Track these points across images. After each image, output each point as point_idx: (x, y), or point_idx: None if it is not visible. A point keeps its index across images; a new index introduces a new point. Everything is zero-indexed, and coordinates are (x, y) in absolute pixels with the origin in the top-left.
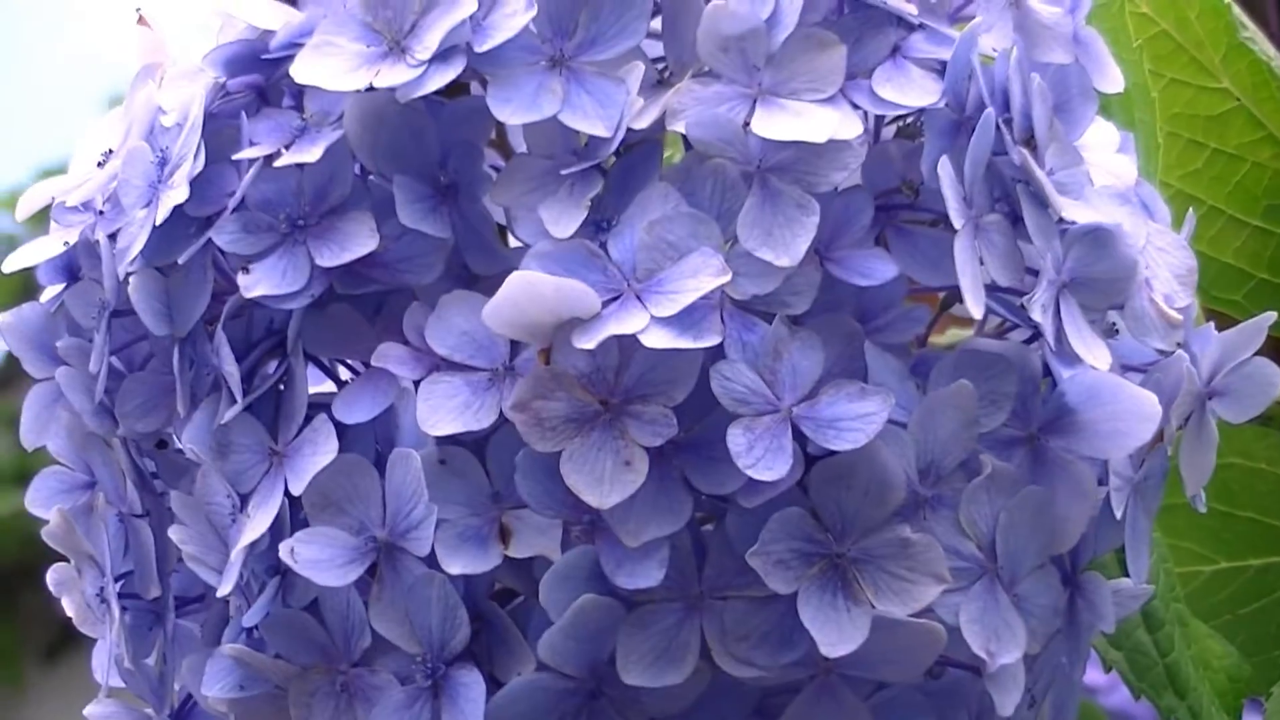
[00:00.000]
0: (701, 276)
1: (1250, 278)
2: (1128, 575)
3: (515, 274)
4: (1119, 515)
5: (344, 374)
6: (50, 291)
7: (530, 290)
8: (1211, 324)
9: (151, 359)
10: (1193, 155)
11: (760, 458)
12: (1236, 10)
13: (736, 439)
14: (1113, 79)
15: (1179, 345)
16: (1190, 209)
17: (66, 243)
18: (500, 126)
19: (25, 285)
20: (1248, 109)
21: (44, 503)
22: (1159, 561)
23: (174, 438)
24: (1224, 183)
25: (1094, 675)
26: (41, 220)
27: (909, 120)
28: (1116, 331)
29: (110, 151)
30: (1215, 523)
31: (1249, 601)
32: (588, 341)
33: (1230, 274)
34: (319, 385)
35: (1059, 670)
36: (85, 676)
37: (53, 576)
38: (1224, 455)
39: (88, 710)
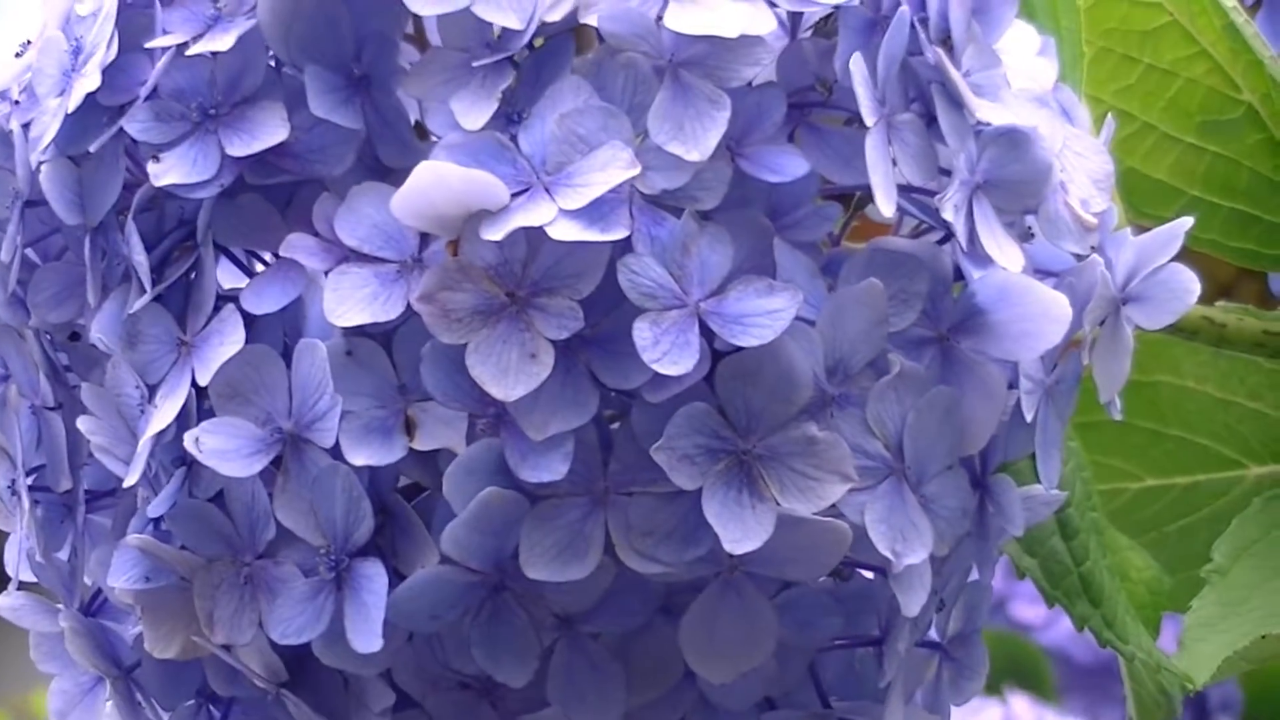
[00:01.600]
0: (611, 169)
1: (1182, 195)
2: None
3: (423, 164)
4: (1029, 418)
5: (259, 269)
6: None
7: (438, 181)
8: (1128, 229)
9: (65, 250)
10: (1126, 70)
11: (666, 352)
12: None
13: (643, 333)
14: None
15: (1094, 250)
16: (1109, 115)
17: None
18: (418, 21)
19: None
20: (1181, 24)
21: None
22: (1076, 470)
23: (86, 330)
24: (1157, 99)
25: (1030, 612)
26: None
27: (826, 19)
28: (1033, 236)
29: (29, 42)
30: (1142, 440)
31: (1174, 519)
32: (495, 233)
33: (1162, 191)
34: (238, 282)
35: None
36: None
37: None
38: (1151, 372)
39: None
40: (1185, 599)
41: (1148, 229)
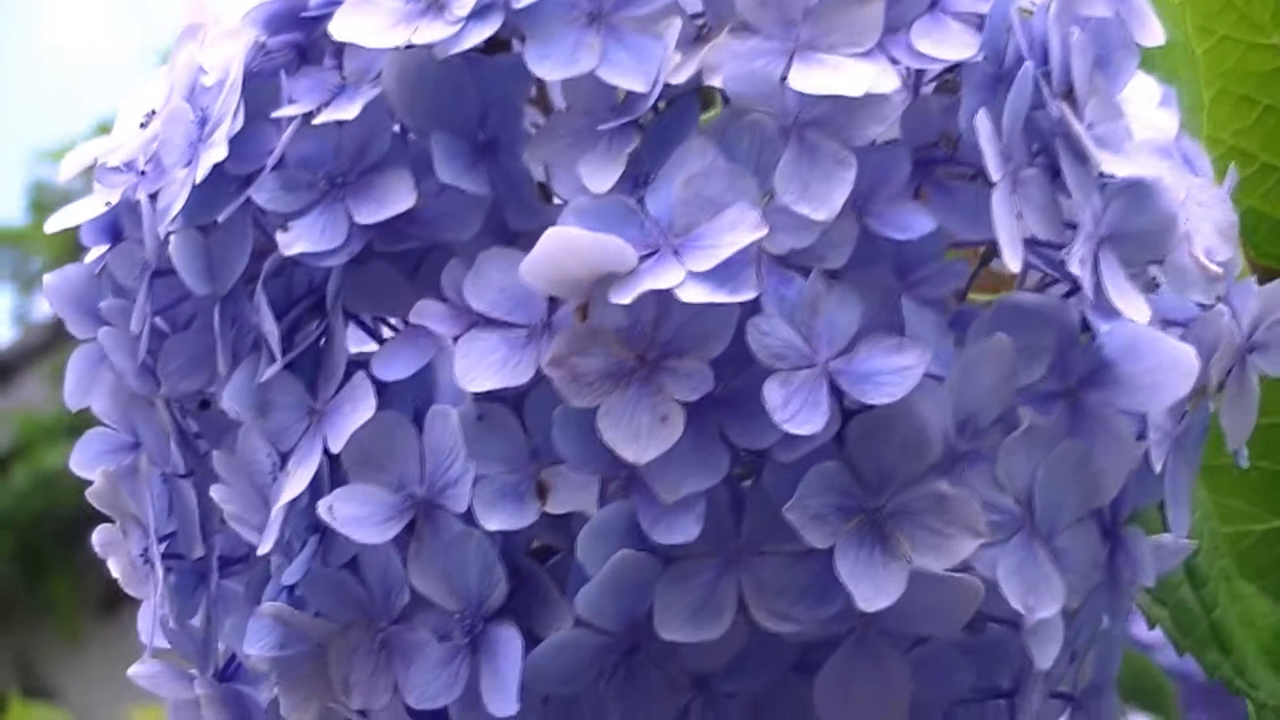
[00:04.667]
0: (738, 231)
1: None
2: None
3: (552, 230)
4: (1158, 469)
5: (386, 333)
6: (94, 252)
7: (567, 246)
8: (1253, 278)
9: (194, 319)
10: (1244, 112)
11: (796, 412)
12: None
13: (773, 393)
14: (1153, 32)
15: (1219, 299)
16: (1232, 163)
17: (108, 203)
18: (541, 83)
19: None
20: None
21: (89, 464)
22: (1203, 518)
23: (216, 398)
24: (1276, 139)
25: (1150, 631)
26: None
27: (948, 75)
28: (1157, 286)
29: (153, 112)
30: (1265, 481)
31: None
32: (624, 297)
33: None
34: (363, 345)
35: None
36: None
37: (98, 537)
38: (1272, 414)
39: (132, 671)
40: None
41: (1268, 269)
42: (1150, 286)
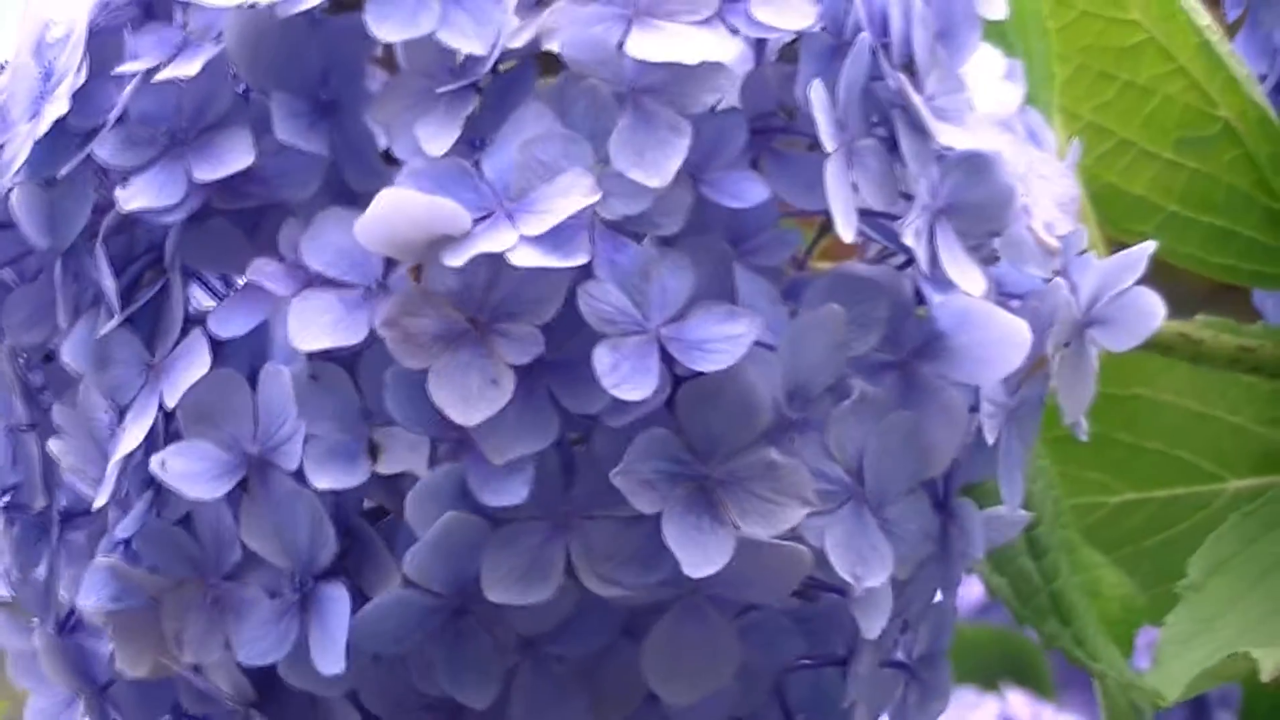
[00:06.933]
0: (572, 196)
1: (1160, 210)
2: None
3: (386, 191)
4: (991, 441)
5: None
6: None
7: (401, 207)
8: (1092, 253)
9: (40, 273)
10: (1103, 87)
11: (626, 377)
12: None
13: (602, 358)
14: (996, 5)
15: (1057, 273)
16: (1077, 137)
17: None
18: (389, 45)
19: None
20: (1158, 41)
21: None
22: (1046, 488)
23: (59, 351)
24: (1135, 115)
25: None
26: None
27: (791, 45)
28: (997, 259)
29: (3, 66)
30: (1120, 454)
31: (1153, 533)
32: (456, 259)
33: (1141, 206)
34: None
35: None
36: None
37: None
38: (1129, 386)
39: None
40: (1159, 612)
41: (1126, 245)
42: (992, 260)
